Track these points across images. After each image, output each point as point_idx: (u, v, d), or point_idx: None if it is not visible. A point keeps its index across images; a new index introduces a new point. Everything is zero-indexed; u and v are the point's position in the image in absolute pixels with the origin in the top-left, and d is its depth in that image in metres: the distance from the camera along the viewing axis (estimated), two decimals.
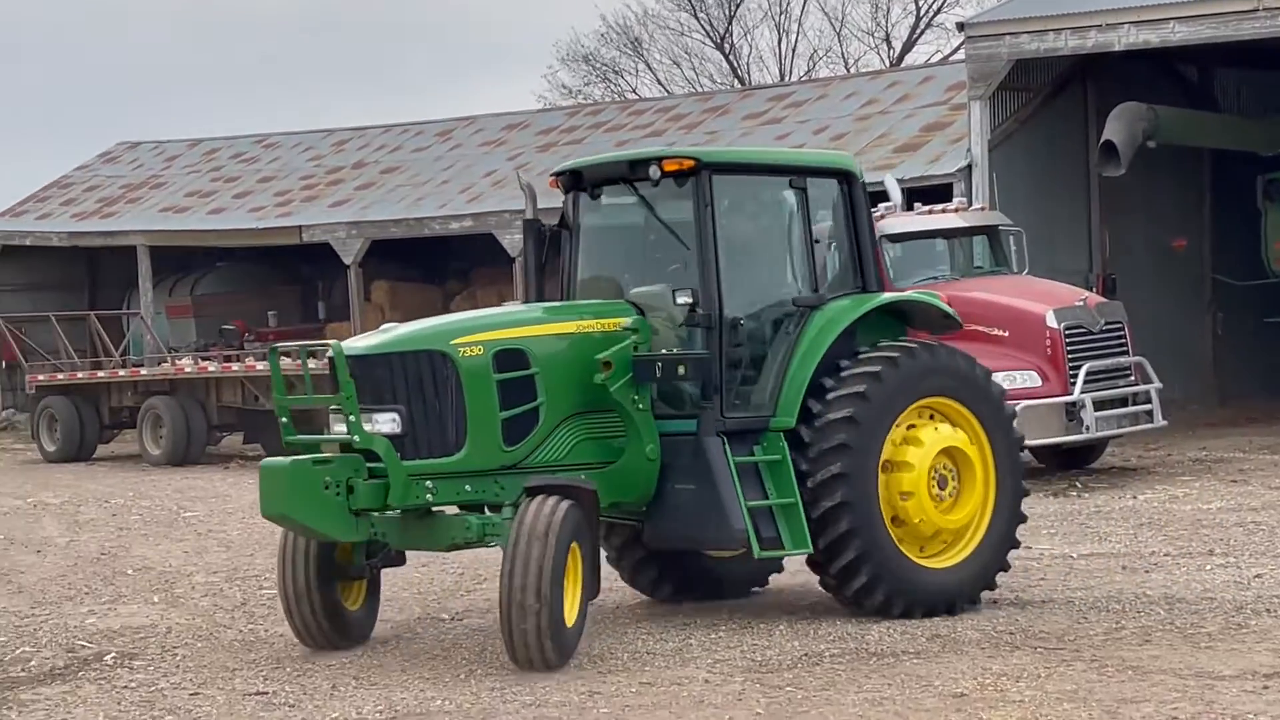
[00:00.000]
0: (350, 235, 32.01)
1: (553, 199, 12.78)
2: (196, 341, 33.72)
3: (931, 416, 11.96)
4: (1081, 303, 19.66)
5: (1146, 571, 13.34)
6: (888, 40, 55.30)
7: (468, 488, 10.94)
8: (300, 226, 33.12)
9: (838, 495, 11.36)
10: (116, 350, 31.65)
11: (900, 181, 22.14)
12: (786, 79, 52.68)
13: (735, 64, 56.19)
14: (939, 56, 50.24)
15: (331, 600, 11.35)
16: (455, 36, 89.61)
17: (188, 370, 27.87)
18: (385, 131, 38.57)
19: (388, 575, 12.29)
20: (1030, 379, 18.91)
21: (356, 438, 10.63)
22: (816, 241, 12.00)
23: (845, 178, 12.25)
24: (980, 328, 19.05)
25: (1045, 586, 12.79)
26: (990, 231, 20.80)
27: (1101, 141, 24.20)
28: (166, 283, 36.05)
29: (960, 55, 30.50)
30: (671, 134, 31.81)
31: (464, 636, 11.86)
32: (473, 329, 11.14)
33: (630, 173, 11.84)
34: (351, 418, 10.64)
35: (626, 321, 11.33)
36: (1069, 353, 19.09)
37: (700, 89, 51.40)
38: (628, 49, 57.18)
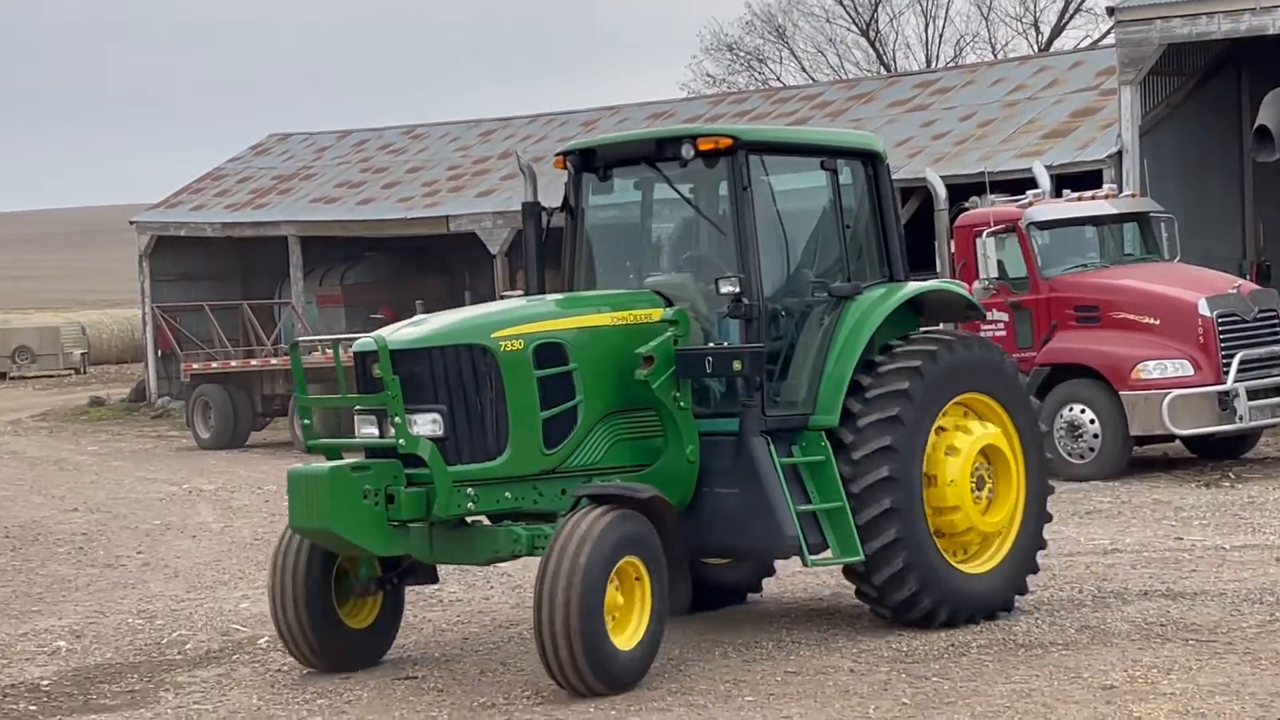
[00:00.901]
0: (496, 225, 32.22)
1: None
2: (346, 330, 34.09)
3: (965, 414, 11.40)
4: (1235, 290, 19.32)
5: None
6: (1036, 26, 54.70)
7: (508, 495, 10.11)
8: (447, 217, 33.41)
9: (885, 501, 10.73)
10: (269, 339, 32.12)
11: (1049, 168, 21.89)
12: (933, 65, 52.26)
13: (881, 51, 55.85)
14: (1088, 41, 49.58)
15: (325, 615, 10.50)
16: (601, 27, 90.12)
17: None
18: (530, 122, 38.79)
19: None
20: (1182, 368, 18.62)
21: (402, 441, 9.80)
22: (847, 227, 11.41)
23: (870, 159, 11.62)
24: (1131, 316, 18.82)
25: (1197, 578, 12.56)
26: (1141, 218, 20.49)
27: (1255, 126, 23.73)
28: (317, 272, 36.51)
29: (1110, 40, 30.08)
30: (816, 122, 31.66)
31: None
32: (512, 320, 10.34)
33: (658, 152, 11.02)
34: (397, 419, 9.81)
35: (666, 313, 10.51)
36: (1222, 341, 18.75)
37: (845, 76, 51.13)
38: (772, 36, 57.07)
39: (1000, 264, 19.35)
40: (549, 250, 11.75)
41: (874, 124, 30.40)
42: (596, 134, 35.91)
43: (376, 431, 10.09)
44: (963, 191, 21.75)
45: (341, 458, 10.23)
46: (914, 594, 10.91)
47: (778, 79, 55.24)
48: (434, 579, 11.07)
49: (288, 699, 10.11)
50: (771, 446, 10.55)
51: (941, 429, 11.21)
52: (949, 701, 9.27)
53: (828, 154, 11.37)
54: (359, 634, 10.69)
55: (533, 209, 11.63)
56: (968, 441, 11.21)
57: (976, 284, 18.71)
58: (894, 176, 12.08)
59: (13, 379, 50.98)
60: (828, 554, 10.75)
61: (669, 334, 10.35)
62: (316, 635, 10.47)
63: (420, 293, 35.98)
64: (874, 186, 11.58)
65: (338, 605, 10.57)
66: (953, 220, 19.66)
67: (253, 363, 29.96)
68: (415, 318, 10.62)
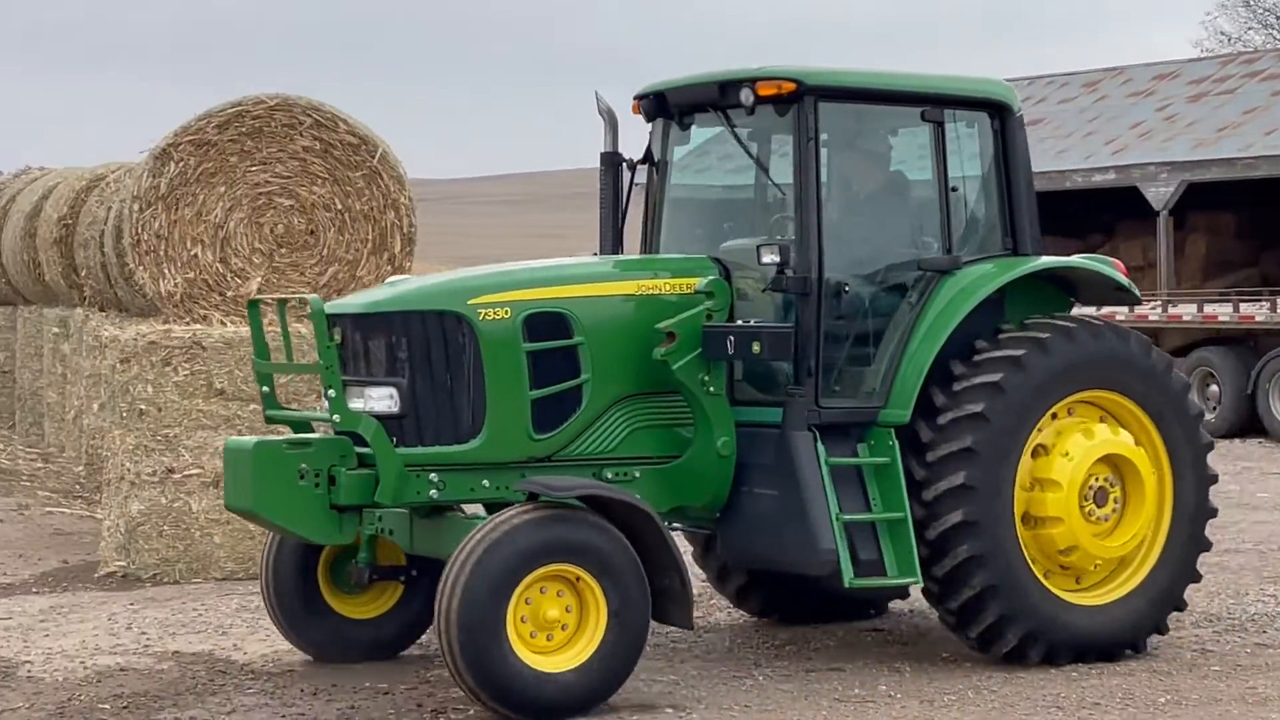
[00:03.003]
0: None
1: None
2: None
3: (1101, 417, 9.72)
4: None
5: None
6: None
7: (485, 483, 8.89)
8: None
9: (959, 513, 9.16)
10: None
11: None
12: None
13: None
14: None
15: (309, 604, 9.58)
16: None
17: None
18: (1030, 84, 38.18)
19: None
20: None
21: (337, 417, 8.71)
22: (954, 190, 9.70)
23: (998, 110, 9.92)
24: None
25: None
26: None
27: None
28: None
29: None
30: None
31: None
32: (499, 286, 9.04)
33: (721, 98, 9.64)
34: (331, 392, 8.70)
35: (700, 283, 9.15)
36: None
37: None
38: None
39: None
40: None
41: None
42: (1096, 95, 35.18)
43: (361, 404, 8.88)
44: None
45: (313, 430, 9.40)
46: (997, 624, 9.30)
47: None
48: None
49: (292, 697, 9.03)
50: (820, 443, 9.11)
51: (1062, 430, 9.60)
52: None
53: (932, 103, 9.72)
54: (360, 624, 9.66)
55: (611, 159, 10.17)
56: (1084, 447, 9.51)
57: None
58: None
59: None
60: (882, 575, 9.18)
61: (701, 307, 9.05)
62: (288, 620, 9.61)
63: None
64: (1001, 143, 9.94)
65: (336, 591, 9.66)
66: None
67: None
68: (394, 278, 9.62)
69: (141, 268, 13.47)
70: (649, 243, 10.25)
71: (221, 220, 13.52)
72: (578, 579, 8.38)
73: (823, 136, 9.45)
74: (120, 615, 11.17)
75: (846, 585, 9.08)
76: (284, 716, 8.64)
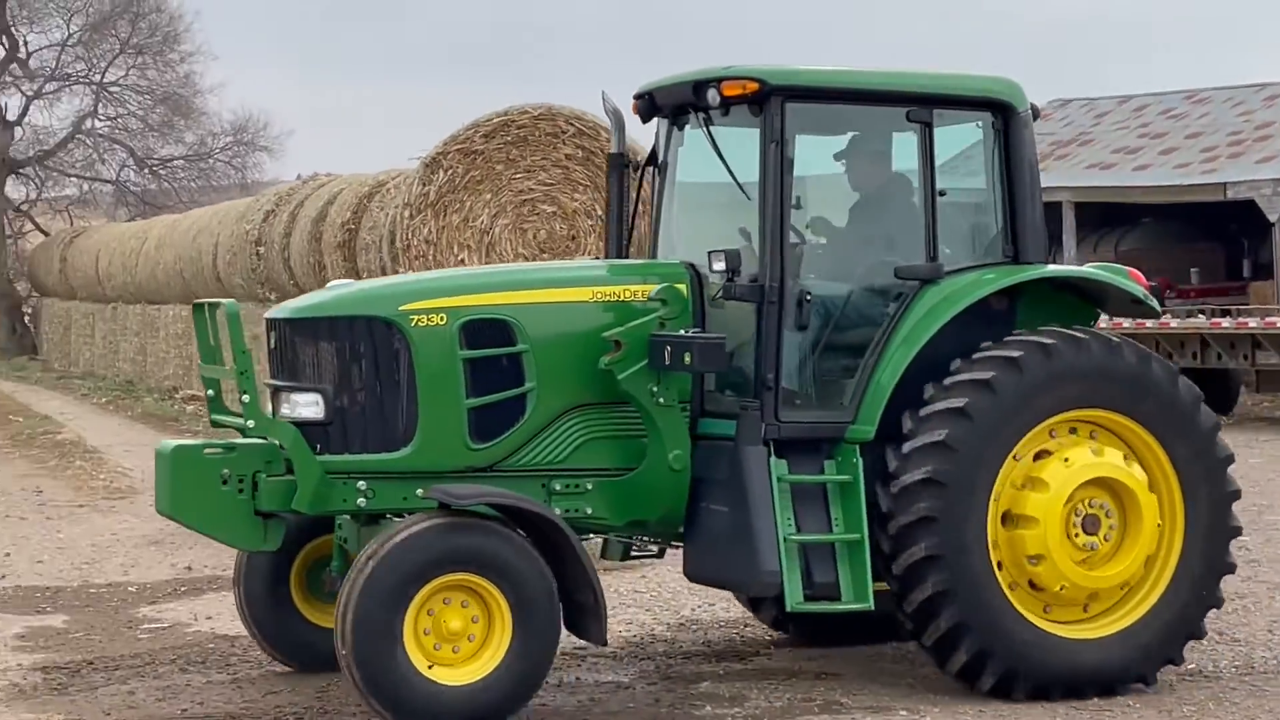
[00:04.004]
0: (1276, 193, 31.15)
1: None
2: None
3: (1093, 435, 9.10)
4: None
5: None
6: None
7: (419, 492, 8.60)
8: (1224, 184, 32.52)
9: (922, 547, 8.69)
10: None
11: None
12: None
13: None
14: None
15: (281, 611, 9.54)
16: None
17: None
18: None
19: None
20: None
21: (250, 422, 8.63)
22: (941, 194, 9.15)
23: (1000, 110, 9.34)
24: None
25: None
26: None
27: None
28: (1090, 239, 36.41)
29: None
30: None
31: None
32: (435, 291, 8.78)
33: (695, 98, 9.23)
34: (245, 398, 8.61)
35: (654, 290, 8.79)
36: None
37: None
38: None
39: None
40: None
41: None
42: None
43: (289, 410, 8.73)
44: None
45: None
46: (971, 660, 8.84)
47: None
48: None
49: None
50: (776, 459, 8.77)
51: (1045, 453, 9.03)
52: None
53: (918, 102, 9.17)
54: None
55: (616, 161, 9.87)
56: (1064, 474, 8.91)
57: None
58: None
59: None
60: (834, 599, 8.74)
61: (654, 315, 8.72)
62: (260, 628, 9.61)
63: (1196, 261, 35.31)
64: (1003, 144, 9.35)
65: (309, 599, 9.64)
66: None
67: None
68: (335, 282, 9.52)
69: (412, 272, 13.99)
70: (652, 245, 9.96)
71: (487, 226, 14.02)
72: (484, 590, 8.24)
73: (806, 138, 9.17)
74: None
75: (790, 609, 8.72)
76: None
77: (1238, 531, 9.37)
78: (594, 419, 8.90)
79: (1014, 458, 8.93)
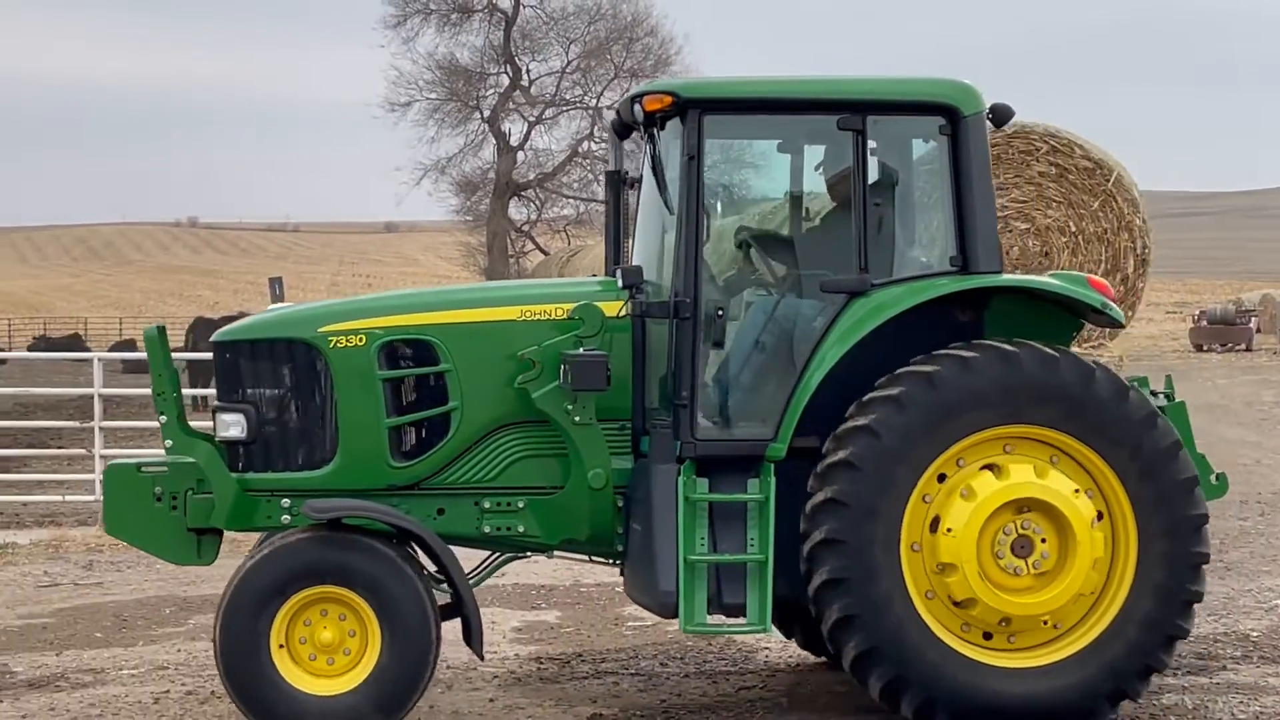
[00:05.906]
0: None
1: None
2: None
3: (1053, 460, 8.60)
4: None
5: None
6: None
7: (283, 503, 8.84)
8: None
9: (826, 570, 8.42)
10: None
11: None
12: None
13: None
14: None
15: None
16: None
17: None
18: None
19: None
20: None
21: (169, 442, 8.88)
22: (876, 204, 8.82)
23: (948, 114, 8.87)
24: None
25: None
26: None
27: None
28: None
29: None
30: None
31: None
32: (354, 313, 8.98)
33: (632, 115, 9.10)
34: (163, 418, 8.87)
35: (573, 310, 8.79)
36: None
37: None
38: None
39: None
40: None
41: None
42: None
43: (223, 430, 8.98)
44: None
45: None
46: (890, 685, 8.49)
47: None
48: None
49: None
50: (691, 478, 8.59)
51: (994, 466, 8.57)
52: None
53: (848, 109, 8.83)
54: None
55: (612, 178, 9.84)
56: (995, 487, 8.47)
57: None
58: None
59: None
60: (738, 619, 8.59)
61: (570, 334, 8.76)
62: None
63: None
64: (952, 150, 8.90)
65: None
66: None
67: None
68: (273, 306, 9.75)
69: None
70: (618, 261, 9.83)
71: None
72: (354, 603, 8.44)
73: (733, 152, 9.10)
74: None
75: (682, 630, 8.64)
76: None
77: (1204, 558, 8.70)
78: (524, 437, 8.96)
79: (934, 477, 8.55)
